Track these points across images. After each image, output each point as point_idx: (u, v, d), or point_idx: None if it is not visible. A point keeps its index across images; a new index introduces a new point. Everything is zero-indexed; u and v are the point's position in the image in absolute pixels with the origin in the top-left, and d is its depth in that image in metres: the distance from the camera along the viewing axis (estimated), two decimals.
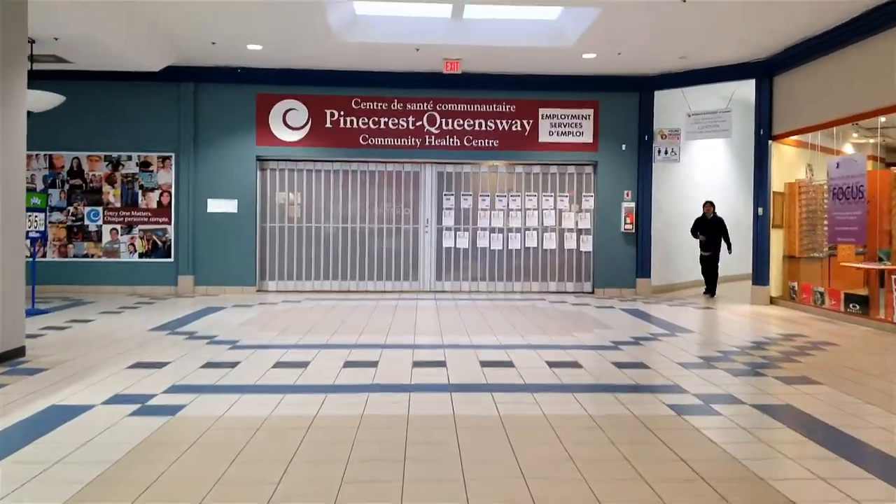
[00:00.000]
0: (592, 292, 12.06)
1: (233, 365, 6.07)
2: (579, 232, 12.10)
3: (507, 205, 12.10)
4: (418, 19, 9.83)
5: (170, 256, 11.81)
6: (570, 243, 12.08)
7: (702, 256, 12.10)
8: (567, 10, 9.46)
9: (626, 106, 11.87)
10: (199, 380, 5.55)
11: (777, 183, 11.00)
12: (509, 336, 7.65)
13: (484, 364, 6.18)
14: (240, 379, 5.61)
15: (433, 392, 5.23)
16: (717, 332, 8.38)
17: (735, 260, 14.38)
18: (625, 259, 11.91)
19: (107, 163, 11.82)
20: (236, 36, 9.81)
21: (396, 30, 9.86)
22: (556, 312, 9.63)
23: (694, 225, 12.09)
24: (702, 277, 13.14)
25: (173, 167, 11.81)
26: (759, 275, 10.94)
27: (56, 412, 4.61)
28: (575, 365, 6.21)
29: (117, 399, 4.94)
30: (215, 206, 11.80)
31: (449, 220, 12.07)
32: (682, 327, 8.44)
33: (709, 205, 12.04)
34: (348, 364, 6.14)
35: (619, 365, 6.22)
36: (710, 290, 12.04)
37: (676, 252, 12.64)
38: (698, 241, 12.04)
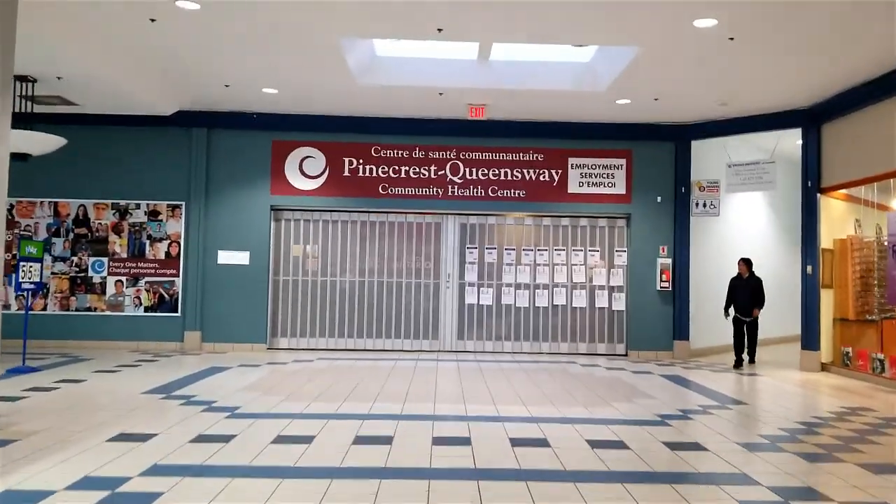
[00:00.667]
0: (626, 355, 11.18)
1: (227, 439, 5.29)
2: (611, 289, 11.31)
3: (534, 259, 11.37)
4: (442, 61, 9.31)
5: (176, 311, 11.17)
6: (601, 301, 11.27)
7: (737, 319, 10.53)
8: (601, 51, 8.89)
9: (660, 156, 11.21)
10: (185, 458, 4.78)
11: (825, 239, 10.18)
12: (541, 406, 6.82)
13: (515, 442, 5.35)
14: (233, 458, 4.83)
15: (457, 480, 4.41)
16: (773, 404, 7.47)
17: (772, 320, 13.48)
18: (661, 319, 11.07)
19: (114, 211, 11.30)
20: (251, 79, 9.35)
21: (418, 72, 9.34)
22: (590, 378, 8.77)
23: (730, 287, 10.65)
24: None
25: (183, 216, 11.27)
26: (809, 339, 10.04)
27: (7, 500, 3.86)
28: (620, 445, 5.35)
29: (85, 483, 4.18)
30: (226, 257, 11.19)
31: (472, 275, 11.35)
32: (732, 398, 7.55)
33: (744, 263, 10.68)
34: (359, 440, 5.34)
35: (671, 445, 5.36)
36: (749, 357, 10.61)
37: (716, 313, 11.73)
38: (728, 310, 10.64)
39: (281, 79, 9.35)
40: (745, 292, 10.53)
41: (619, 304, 11.26)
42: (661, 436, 5.68)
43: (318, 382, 7.99)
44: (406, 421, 6.06)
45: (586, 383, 8.29)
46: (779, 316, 13.47)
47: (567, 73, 9.37)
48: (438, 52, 9.20)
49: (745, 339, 10.60)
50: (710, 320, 11.52)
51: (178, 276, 11.22)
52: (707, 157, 11.40)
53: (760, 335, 12.40)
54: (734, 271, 12.16)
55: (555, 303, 11.31)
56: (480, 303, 11.34)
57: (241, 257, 11.18)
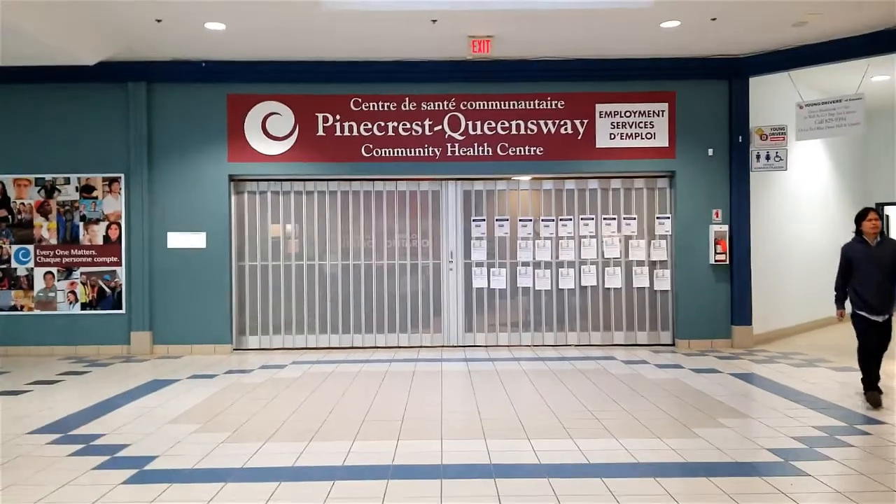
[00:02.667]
0: (673, 344, 9.09)
1: None
2: (653, 265, 9.19)
3: (556, 232, 9.23)
4: None
5: (120, 307, 9.06)
6: (640, 280, 9.15)
7: (862, 320, 6.05)
8: None
9: (711, 98, 9.02)
10: None
11: None
12: (594, 437, 4.75)
13: None
14: None
15: None
16: None
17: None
18: (716, 300, 8.95)
19: (38, 188, 9.14)
20: (188, 9, 7.15)
21: None
22: (643, 383, 6.68)
23: (844, 262, 6.30)
24: (812, 319, 10.23)
25: (123, 192, 9.11)
26: None
27: None
28: None
29: None
30: (178, 240, 9.06)
31: (480, 253, 9.23)
32: (856, 412, 5.45)
33: (874, 218, 6.08)
34: None
35: None
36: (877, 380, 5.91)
37: (781, 287, 9.65)
38: (842, 301, 6.44)
39: (226, 8, 7.16)
40: (876, 271, 5.94)
41: (663, 282, 9.14)
42: (804, 498, 3.60)
43: (282, 404, 5.91)
44: (399, 475, 4.00)
45: (642, 392, 6.20)
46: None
47: None
48: None
49: (879, 351, 6.00)
50: (772, 297, 9.42)
51: (121, 266, 9.10)
52: (769, 98, 9.21)
53: (815, 316, 10.39)
54: (800, 238, 10.08)
55: (583, 284, 9.20)
56: (491, 286, 9.23)
57: (195, 240, 9.05)
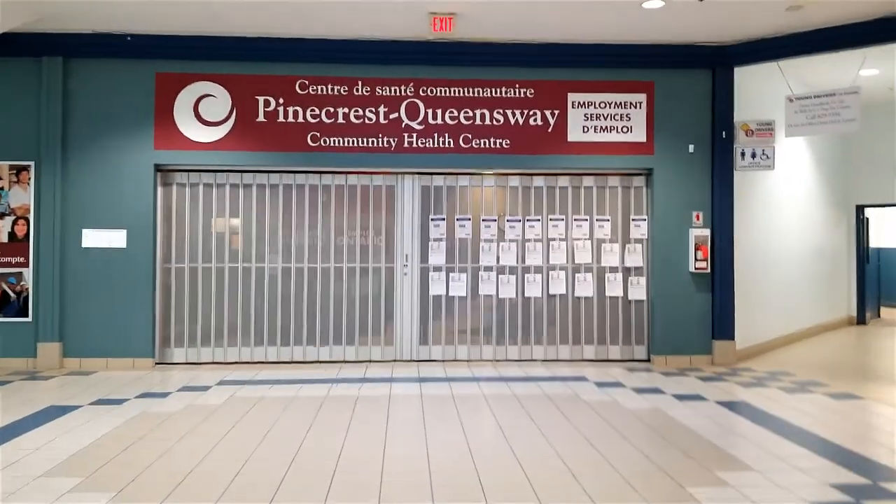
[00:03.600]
0: (649, 360, 8.29)
1: None
2: (627, 272, 8.36)
3: (523, 233, 8.35)
4: None
5: (26, 314, 7.92)
6: (614, 289, 8.32)
7: None
8: None
9: (693, 89, 8.20)
10: None
11: None
12: (569, 500, 3.85)
13: None
14: None
15: None
16: None
17: (819, 298, 10.92)
18: (696, 312, 8.16)
19: None
20: None
21: None
22: (621, 415, 5.81)
23: None
24: (794, 330, 9.60)
25: (32, 183, 7.96)
26: None
27: None
28: None
29: None
30: (94, 238, 7.95)
31: (438, 256, 8.30)
32: (882, 465, 4.62)
33: None
34: None
35: None
36: None
37: (763, 298, 8.92)
38: None
39: None
40: None
41: (639, 291, 8.33)
42: None
43: (193, 446, 4.90)
44: None
45: (622, 430, 5.32)
46: (827, 293, 10.87)
47: None
48: None
49: None
50: (754, 309, 8.69)
51: (28, 267, 7.96)
52: (755, 89, 8.44)
53: (796, 327, 9.79)
54: (780, 243, 9.40)
55: (551, 292, 8.33)
56: (450, 294, 8.31)
57: (115, 238, 7.95)
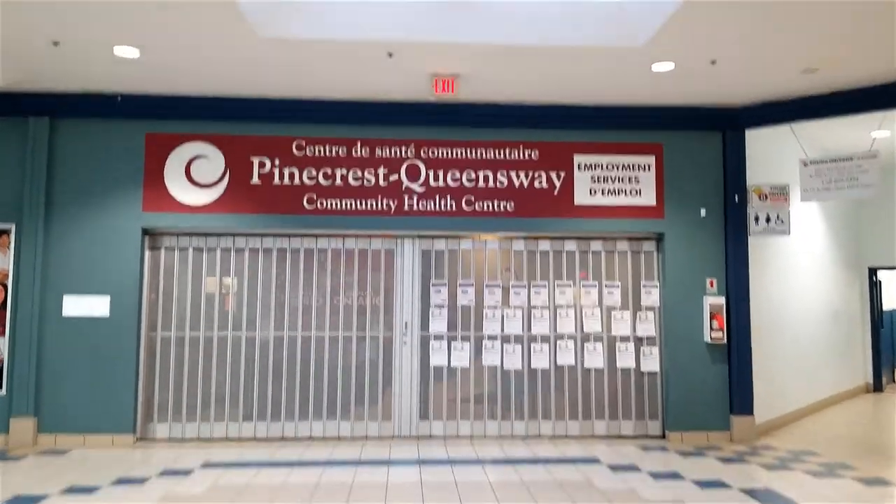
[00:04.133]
0: (664, 436, 7.79)
1: None
2: (639, 342, 7.93)
3: (528, 300, 7.94)
4: (391, 1, 5.91)
5: (0, 386, 7.44)
6: (625, 360, 7.88)
7: None
8: None
9: (703, 152, 7.93)
10: None
11: None
12: None
13: None
14: None
15: None
16: None
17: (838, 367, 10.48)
18: (712, 385, 7.71)
19: None
20: (92, 31, 5.80)
21: (354, 19, 5.91)
22: None
23: None
24: (813, 400, 9.15)
25: (12, 246, 7.57)
26: None
27: None
28: None
29: None
30: (76, 306, 7.52)
31: (440, 323, 7.87)
32: None
33: None
34: None
35: None
36: None
37: (782, 368, 8.48)
38: None
39: (137, 30, 5.83)
40: None
41: (652, 362, 7.88)
42: None
43: None
44: None
45: None
46: (844, 359, 10.44)
47: (585, 19, 6.03)
48: None
49: None
50: (772, 380, 8.24)
51: (4, 335, 7.51)
52: (767, 152, 8.17)
53: (815, 397, 9.37)
54: (797, 309, 9.02)
55: (559, 362, 7.89)
56: (452, 364, 7.85)
57: (98, 305, 7.52)
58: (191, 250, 7.85)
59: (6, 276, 7.57)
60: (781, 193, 7.77)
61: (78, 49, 6.28)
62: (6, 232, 7.60)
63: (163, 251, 7.83)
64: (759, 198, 7.78)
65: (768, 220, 7.77)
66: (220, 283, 7.86)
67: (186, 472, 6.25)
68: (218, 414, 7.68)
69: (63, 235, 7.54)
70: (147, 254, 7.74)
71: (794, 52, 6.20)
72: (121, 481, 5.96)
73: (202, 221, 7.66)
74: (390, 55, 6.37)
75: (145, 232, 7.68)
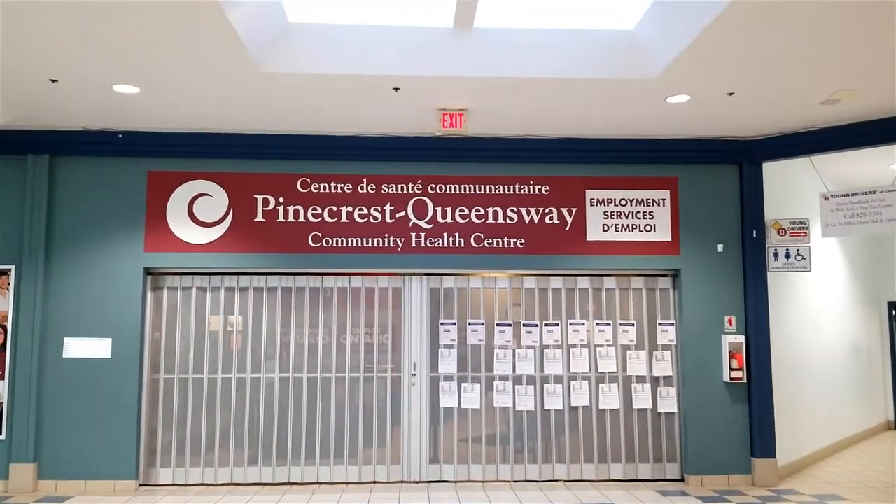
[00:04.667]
0: (682, 479, 7.51)
1: None
2: (656, 382, 7.67)
3: (541, 339, 7.71)
4: (396, 31, 5.76)
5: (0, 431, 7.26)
6: (641, 401, 7.62)
7: None
8: (656, 7, 5.44)
9: (719, 185, 7.72)
10: None
11: None
12: None
13: None
14: None
15: None
16: None
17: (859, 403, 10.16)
18: (732, 426, 7.44)
19: None
20: (90, 67, 5.68)
21: (359, 53, 5.77)
22: None
23: None
24: (835, 440, 8.84)
25: (12, 288, 7.42)
26: None
27: None
28: None
29: None
30: (77, 348, 7.34)
31: (449, 364, 7.64)
32: None
33: None
34: None
35: None
36: None
37: (804, 408, 8.20)
38: None
39: (137, 66, 5.70)
40: None
41: (669, 403, 7.62)
42: None
43: None
44: None
45: None
46: (865, 396, 10.13)
47: (596, 51, 5.87)
48: (389, 17, 5.66)
49: None
50: (794, 421, 7.95)
51: (3, 379, 7.33)
52: (785, 185, 7.97)
53: (837, 437, 9.07)
54: (826, 344, 8.76)
55: (573, 403, 7.63)
56: (462, 406, 7.60)
57: (99, 347, 7.33)
58: (194, 290, 7.67)
59: (6, 317, 7.41)
60: (802, 228, 7.54)
61: (77, 86, 6.15)
62: (6, 273, 7.45)
63: (165, 291, 7.65)
64: (779, 232, 7.55)
65: (788, 255, 7.53)
66: (223, 323, 7.67)
67: None
68: (223, 458, 7.45)
69: (63, 276, 7.38)
70: (149, 294, 7.56)
71: (813, 83, 6.01)
72: None
73: (205, 260, 7.49)
74: (396, 90, 6.22)
75: (147, 272, 7.51)
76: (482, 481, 7.48)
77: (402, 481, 7.47)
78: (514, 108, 6.68)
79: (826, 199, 7.29)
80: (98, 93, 6.30)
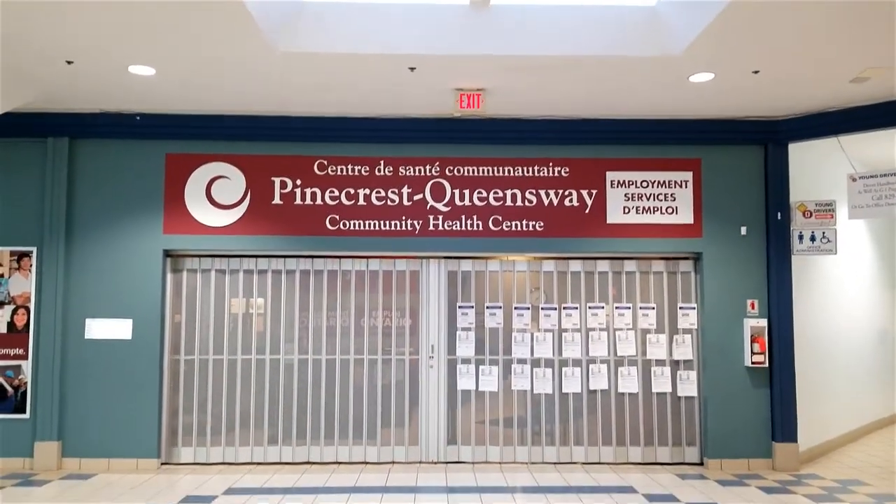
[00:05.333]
0: (701, 463, 7.46)
1: None
2: (676, 366, 7.60)
3: (559, 323, 7.65)
4: (412, 8, 5.68)
5: (24, 410, 7.37)
6: (661, 384, 7.56)
7: None
8: None
9: (743, 166, 7.56)
10: None
11: None
12: None
13: None
14: None
15: None
16: None
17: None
18: (753, 410, 7.35)
19: None
20: (106, 47, 5.67)
21: (373, 32, 5.70)
22: None
23: None
24: (858, 426, 8.72)
25: (34, 270, 7.50)
26: None
27: None
28: None
29: None
30: (99, 329, 7.42)
31: (467, 347, 7.62)
32: None
33: None
34: None
35: None
36: None
37: (827, 393, 8.09)
38: None
39: (153, 48, 5.69)
40: None
41: (689, 387, 7.55)
42: None
43: None
44: None
45: None
46: (889, 382, 9.96)
47: (617, 28, 5.74)
48: None
49: None
50: (817, 405, 7.84)
51: (27, 359, 7.43)
52: (811, 166, 7.78)
53: (860, 422, 8.95)
54: (850, 329, 8.63)
55: (591, 387, 7.58)
56: (480, 388, 7.60)
57: (120, 328, 7.41)
58: (213, 272, 7.70)
59: (28, 299, 7.50)
60: (828, 210, 7.38)
61: (93, 68, 6.15)
62: (28, 255, 7.53)
63: (185, 273, 7.70)
64: (804, 215, 7.40)
65: (813, 238, 7.38)
66: (244, 305, 7.70)
67: (210, 500, 6.08)
68: (243, 438, 7.53)
69: (84, 258, 7.45)
70: (169, 276, 7.61)
71: (843, 61, 5.84)
72: None
73: (224, 243, 7.51)
74: (412, 69, 6.14)
75: (167, 254, 7.55)
76: (500, 462, 7.49)
77: (420, 461, 7.50)
78: (533, 88, 6.57)
79: (854, 180, 7.12)
80: (114, 74, 6.30)
